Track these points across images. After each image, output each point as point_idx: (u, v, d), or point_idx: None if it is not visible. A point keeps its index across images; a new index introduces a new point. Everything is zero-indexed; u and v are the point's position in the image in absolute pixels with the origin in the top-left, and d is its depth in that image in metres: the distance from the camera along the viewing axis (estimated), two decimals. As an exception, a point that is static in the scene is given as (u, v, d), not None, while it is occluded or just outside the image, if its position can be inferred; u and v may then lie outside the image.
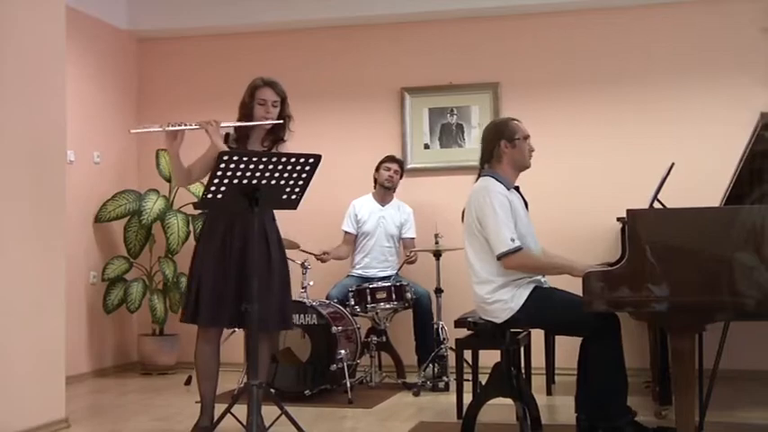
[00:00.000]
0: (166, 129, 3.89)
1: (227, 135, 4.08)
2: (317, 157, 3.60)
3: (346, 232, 6.09)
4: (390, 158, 6.06)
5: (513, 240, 3.81)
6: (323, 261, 5.85)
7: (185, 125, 3.91)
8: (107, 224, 6.39)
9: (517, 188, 4.08)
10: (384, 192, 6.07)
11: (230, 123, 4.04)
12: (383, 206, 6.08)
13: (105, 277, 6.24)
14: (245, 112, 4.07)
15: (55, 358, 4.17)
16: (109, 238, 6.47)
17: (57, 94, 4.19)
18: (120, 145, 6.62)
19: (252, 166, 3.49)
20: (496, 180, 3.98)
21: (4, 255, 3.80)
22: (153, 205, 6.28)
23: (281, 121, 4.07)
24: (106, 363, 6.40)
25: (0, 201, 3.78)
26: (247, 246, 3.81)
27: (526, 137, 4.07)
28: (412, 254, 5.93)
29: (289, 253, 5.60)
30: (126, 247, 6.36)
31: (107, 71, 6.59)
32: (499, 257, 3.83)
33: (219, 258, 3.93)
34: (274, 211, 4.13)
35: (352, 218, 6.08)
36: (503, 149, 4.03)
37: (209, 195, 3.51)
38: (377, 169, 6.06)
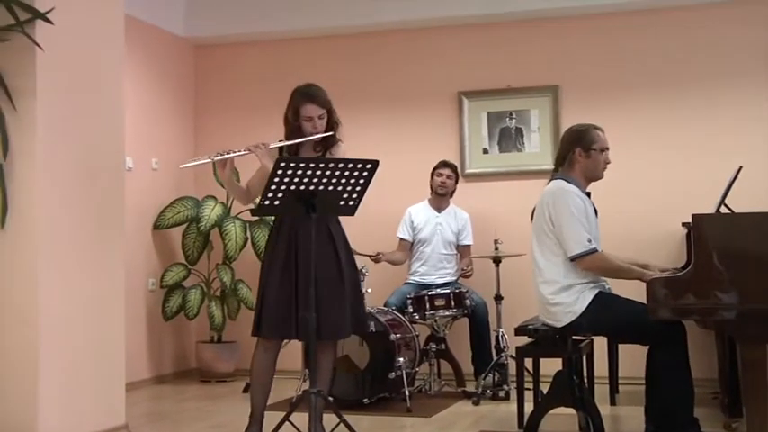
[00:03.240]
0: (215, 159, 3.90)
1: (279, 150, 4.07)
2: (375, 163, 3.60)
3: (401, 239, 6.08)
4: (443, 164, 6.04)
5: (589, 242, 3.81)
6: (376, 261, 5.85)
7: (233, 152, 3.92)
8: (165, 231, 6.48)
9: (588, 194, 4.07)
10: (439, 198, 6.05)
11: (278, 143, 4.03)
12: (439, 213, 6.05)
13: (164, 284, 6.33)
14: (292, 128, 4.04)
15: (115, 364, 4.23)
16: (167, 245, 6.56)
17: (115, 102, 4.26)
18: (179, 151, 6.70)
19: (309, 173, 3.51)
20: (570, 183, 3.98)
21: (64, 263, 3.88)
22: (211, 212, 6.35)
23: (331, 133, 4.05)
24: (165, 369, 6.49)
25: (60, 209, 3.85)
26: (314, 253, 3.82)
27: (603, 149, 4.07)
28: (469, 268, 5.90)
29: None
30: (184, 254, 6.44)
31: (164, 78, 6.68)
32: (573, 258, 3.83)
33: (285, 266, 3.92)
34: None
35: (408, 225, 6.07)
36: (576, 157, 4.04)
37: (266, 202, 3.54)
38: (431, 175, 6.05)
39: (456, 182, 6.05)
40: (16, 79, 3.65)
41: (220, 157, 3.90)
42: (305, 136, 4.00)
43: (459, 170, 6.13)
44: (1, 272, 3.70)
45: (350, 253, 4.07)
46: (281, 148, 4.04)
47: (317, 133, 4.01)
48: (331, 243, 3.96)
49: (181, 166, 4.12)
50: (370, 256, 5.78)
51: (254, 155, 3.94)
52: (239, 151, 3.92)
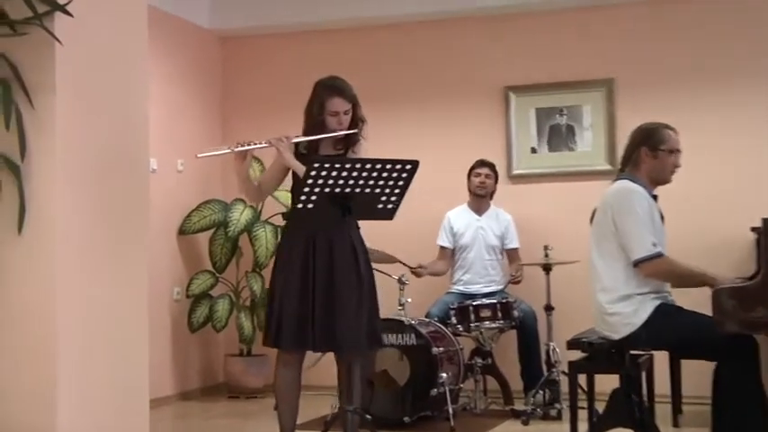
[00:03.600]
0: (235, 150, 3.99)
1: (296, 145, 4.13)
2: (415, 164, 3.59)
3: (442, 247, 6.08)
4: (480, 162, 6.03)
5: (654, 245, 3.78)
6: (418, 275, 5.84)
7: (254, 144, 4.00)
8: (191, 236, 6.52)
9: (655, 197, 4.04)
10: (479, 200, 6.03)
11: (301, 138, 4.09)
12: (480, 216, 6.05)
13: (190, 293, 6.36)
14: (314, 122, 4.09)
15: (138, 380, 4.24)
16: (193, 252, 6.60)
17: (139, 99, 4.27)
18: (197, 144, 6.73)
19: (344, 174, 3.51)
20: (636, 183, 3.96)
21: (84, 271, 3.89)
22: (240, 216, 6.37)
23: (356, 131, 4.11)
24: (191, 385, 6.51)
25: (80, 213, 3.87)
26: (333, 259, 3.91)
27: (673, 150, 4.06)
28: (518, 272, 5.87)
29: (384, 267, 5.65)
30: (211, 261, 6.47)
31: (190, 73, 6.72)
32: (637, 263, 3.80)
33: (303, 274, 3.96)
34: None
35: (448, 231, 6.06)
36: (643, 156, 4.03)
37: (300, 206, 3.54)
38: (468, 176, 6.04)
39: (496, 181, 6.03)
40: (34, 75, 3.68)
41: (240, 148, 3.99)
42: (328, 131, 4.06)
43: (503, 170, 6.15)
44: (17, 280, 3.73)
45: (368, 261, 4.12)
46: (296, 144, 4.10)
47: (341, 129, 4.07)
48: (351, 250, 4.02)
49: (198, 155, 4.17)
50: (410, 268, 5.77)
51: (273, 148, 4.01)
52: (260, 143, 4.00)
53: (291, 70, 6.81)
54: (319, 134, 4.06)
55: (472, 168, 6.02)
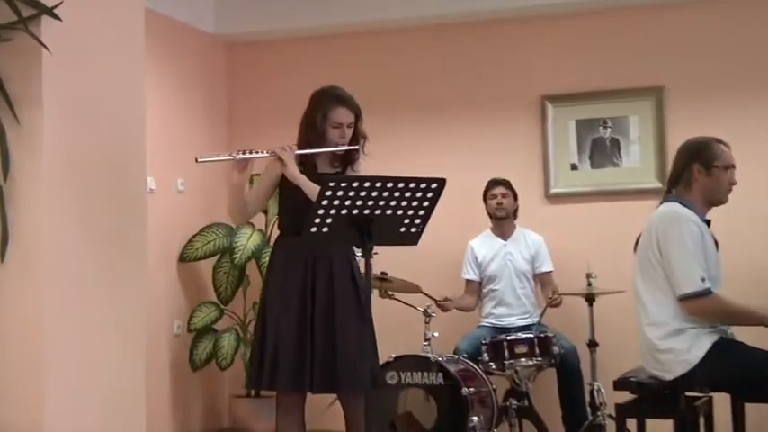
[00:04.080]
0: (237, 157, 4.08)
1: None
2: (441, 182, 3.55)
3: (468, 281, 6.10)
4: (492, 183, 6.05)
5: (703, 281, 3.75)
6: (444, 309, 5.84)
7: (256, 153, 4.10)
8: (193, 264, 6.52)
9: (708, 222, 3.99)
10: (501, 223, 6.04)
11: (306, 150, 4.18)
12: (506, 240, 6.03)
13: (191, 327, 6.35)
14: (315, 133, 4.18)
15: (134, 424, 4.22)
16: (195, 281, 6.59)
17: (135, 112, 4.27)
18: (208, 170, 6.73)
19: (363, 194, 3.47)
20: (686, 207, 3.91)
21: (74, 303, 3.88)
22: (247, 241, 6.37)
23: (357, 148, 4.22)
24: (193, 428, 6.50)
25: (69, 239, 3.85)
26: (334, 287, 4.02)
27: (728, 166, 4.04)
28: (555, 295, 5.82)
29: (407, 297, 5.62)
30: (216, 292, 6.46)
31: (192, 83, 6.74)
32: (681, 299, 3.76)
33: (301, 305, 4.03)
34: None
35: (472, 262, 6.07)
36: (695, 175, 4.00)
37: (314, 229, 3.50)
38: (483, 200, 6.04)
39: (515, 198, 6.02)
40: (19, 86, 3.67)
41: (242, 156, 4.09)
42: (329, 144, 4.16)
43: (540, 189, 6.15)
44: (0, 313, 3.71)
45: (367, 289, 4.11)
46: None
47: (343, 143, 4.17)
48: (351, 277, 4.12)
49: (199, 160, 4.25)
50: (435, 300, 5.75)
51: (268, 161, 4.14)
52: (262, 152, 4.11)
53: (305, 78, 6.70)
54: (319, 147, 4.17)
55: (486, 190, 6.05)
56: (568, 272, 5.97)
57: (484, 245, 6.08)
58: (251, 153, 4.08)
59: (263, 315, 4.16)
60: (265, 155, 4.12)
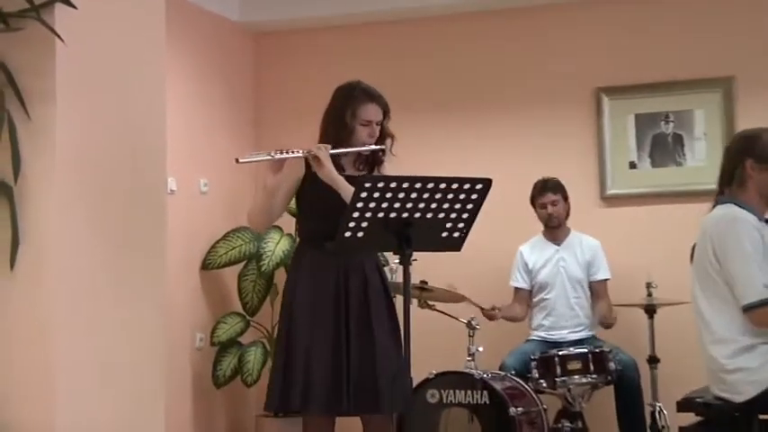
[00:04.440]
0: (276, 157, 4.15)
1: (305, 159, 4.23)
2: (487, 183, 3.56)
3: (517, 288, 6.10)
4: (540, 188, 6.03)
5: (767, 287, 3.72)
6: (491, 318, 5.83)
7: (291, 152, 4.15)
8: (217, 272, 6.55)
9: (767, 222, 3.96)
10: (553, 230, 6.06)
11: (340, 150, 4.22)
12: (559, 245, 6.03)
13: (215, 340, 6.38)
14: (345, 131, 4.23)
15: (152, 444, 4.25)
16: (220, 290, 6.62)
17: (155, 107, 4.29)
18: (234, 170, 6.74)
19: (401, 195, 3.47)
20: (742, 208, 3.87)
21: (87, 314, 3.90)
22: (276, 247, 6.39)
23: (384, 147, 4.27)
24: (216, 450, 6.53)
25: (83, 244, 3.87)
26: (368, 299, 4.08)
27: None
28: (608, 313, 5.80)
29: (450, 308, 5.61)
30: (241, 302, 6.49)
31: (216, 75, 6.78)
32: (746, 309, 3.74)
33: (336, 319, 4.05)
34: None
35: (522, 269, 6.07)
36: (748, 171, 3.96)
37: (348, 234, 3.51)
38: (532, 206, 6.02)
39: (566, 200, 6.01)
40: (30, 79, 3.69)
41: (281, 156, 4.15)
42: (356, 144, 4.22)
43: (595, 190, 6.14)
44: (7, 325, 3.73)
45: (407, 301, 4.15)
46: (305, 159, 4.23)
47: (371, 143, 4.24)
48: (383, 289, 4.13)
49: (240, 160, 4.34)
50: (482, 309, 5.75)
51: (310, 157, 4.15)
52: (298, 152, 4.16)
53: (335, 69, 6.75)
54: (347, 146, 4.21)
55: (534, 196, 6.03)
56: (626, 281, 5.94)
57: (535, 250, 6.08)
58: (288, 153, 4.13)
59: (288, 330, 4.15)
60: (301, 154, 4.16)
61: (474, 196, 3.56)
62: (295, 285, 4.24)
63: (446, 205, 3.55)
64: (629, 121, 6.35)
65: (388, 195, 3.46)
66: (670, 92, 6.27)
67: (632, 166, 6.34)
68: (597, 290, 6.00)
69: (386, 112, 4.26)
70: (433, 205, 3.53)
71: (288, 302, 4.25)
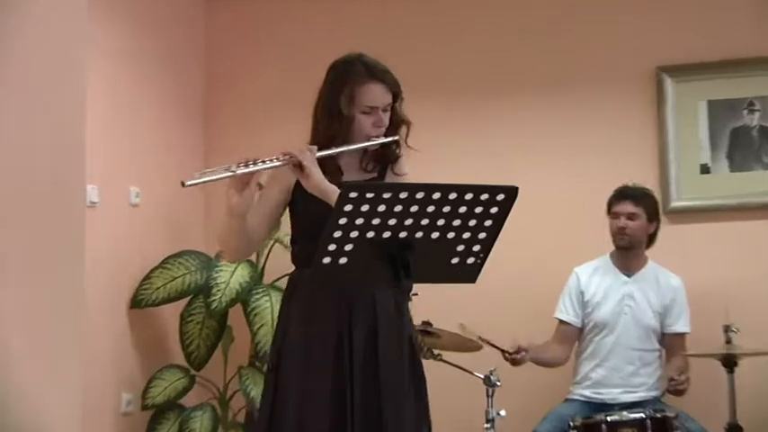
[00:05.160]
0: (238, 172, 3.93)
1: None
2: (511, 192, 3.55)
3: (562, 322, 6.07)
4: (621, 193, 6.02)
5: None
6: (515, 363, 5.81)
7: (263, 163, 3.98)
8: (152, 310, 6.55)
9: None
10: (626, 253, 6.02)
11: (330, 150, 4.09)
12: (629, 276, 6.02)
13: (148, 402, 6.36)
14: (341, 124, 4.13)
15: None
16: (155, 335, 6.64)
17: (70, 96, 4.30)
18: (175, 177, 6.76)
19: (398, 209, 3.46)
20: None
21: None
22: (230, 277, 6.38)
23: (397, 138, 4.18)
24: None
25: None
26: (379, 342, 4.00)
27: None
28: (682, 376, 5.78)
29: (462, 358, 5.61)
30: (184, 351, 6.49)
31: (155, 50, 6.80)
32: None
33: (336, 367, 4.01)
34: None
35: (575, 298, 6.05)
36: None
37: (326, 259, 3.51)
38: (608, 214, 5.99)
39: (651, 220, 5.97)
40: None
41: (246, 170, 3.94)
42: (358, 138, 4.12)
43: (656, 201, 6.06)
44: None
45: (419, 348, 4.13)
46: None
47: (378, 135, 4.13)
48: (399, 328, 3.98)
49: (187, 183, 4.03)
50: (504, 352, 5.73)
51: (289, 165, 4.01)
52: (273, 160, 3.99)
53: (311, 43, 6.86)
54: (350, 144, 4.10)
55: (610, 203, 6.00)
56: (698, 323, 5.96)
57: (596, 277, 6.06)
58: (257, 163, 3.96)
59: (276, 376, 4.11)
60: (277, 162, 4.00)
61: (494, 210, 3.55)
62: (285, 326, 4.21)
63: (457, 222, 3.54)
64: (701, 109, 6.40)
65: (381, 209, 3.45)
66: (754, 71, 6.31)
67: (704, 169, 6.38)
68: (671, 345, 5.98)
69: (396, 94, 4.17)
70: (441, 222, 3.52)
71: (276, 348, 4.21)
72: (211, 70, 7.14)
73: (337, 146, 4.09)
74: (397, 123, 4.17)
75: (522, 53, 6.63)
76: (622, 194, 5.98)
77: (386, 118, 4.13)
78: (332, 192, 3.82)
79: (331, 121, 4.12)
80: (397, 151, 4.21)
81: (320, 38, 6.82)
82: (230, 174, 3.95)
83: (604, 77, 6.54)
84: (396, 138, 4.16)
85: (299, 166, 3.97)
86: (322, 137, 4.13)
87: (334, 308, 4.04)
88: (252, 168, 3.95)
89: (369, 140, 4.11)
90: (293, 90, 6.93)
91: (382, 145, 4.15)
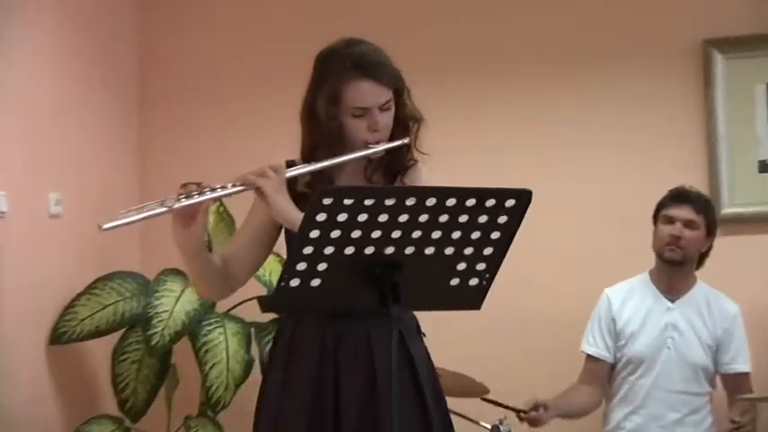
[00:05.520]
0: (175, 206, 3.89)
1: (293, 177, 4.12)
2: (523, 197, 3.57)
3: (591, 357, 6.08)
4: (679, 195, 6.00)
5: None
6: (535, 423, 5.85)
7: (214, 191, 3.94)
8: (77, 347, 6.56)
9: None
10: (672, 270, 6.02)
11: (303, 168, 4.09)
12: (673, 300, 6.04)
13: (72, 462, 6.37)
14: (325, 131, 4.11)
15: None
16: (81, 377, 6.65)
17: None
18: (105, 179, 6.79)
19: (384, 219, 3.47)
20: None
21: None
22: (175, 305, 6.37)
23: (404, 141, 4.16)
24: None
25: None
26: (376, 387, 3.96)
27: None
28: (744, 418, 5.79)
29: (464, 405, 5.64)
30: (117, 397, 6.50)
31: (79, 31, 6.83)
32: None
33: (318, 418, 4.00)
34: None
35: (605, 326, 6.06)
36: None
37: (295, 282, 3.52)
38: (654, 220, 5.99)
39: (709, 234, 5.98)
40: None
41: (187, 202, 3.90)
42: (352, 145, 4.10)
43: (715, 212, 6.09)
44: None
45: (439, 391, 4.18)
46: (293, 180, 4.11)
47: (378, 140, 4.11)
48: (408, 367, 4.05)
49: (104, 227, 4.01)
50: (518, 412, 5.76)
51: (251, 192, 4.00)
52: (228, 188, 3.96)
53: (260, 33, 6.95)
54: (336, 156, 4.07)
55: (660, 207, 5.98)
56: (759, 358, 6.00)
57: (632, 300, 6.07)
58: (203, 192, 3.91)
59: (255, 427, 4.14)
60: (230, 190, 3.96)
61: (502, 219, 3.56)
62: (266, 372, 4.24)
63: (457, 234, 3.54)
64: (758, 93, 6.45)
65: (362, 218, 3.44)
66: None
67: (763, 167, 6.43)
68: (732, 384, 6.00)
69: (398, 89, 4.14)
70: (436, 234, 3.53)
71: (258, 402, 4.23)
72: (147, 67, 7.23)
73: (322, 158, 4.06)
74: (405, 123, 4.17)
75: (536, 25, 6.70)
76: (682, 197, 5.94)
77: (385, 118, 4.10)
78: (295, 220, 3.74)
79: (313, 127, 4.13)
80: (409, 158, 4.20)
81: (273, 24, 6.90)
82: (164, 210, 3.90)
83: (639, 54, 6.59)
84: (403, 141, 4.13)
85: (259, 193, 3.97)
86: (310, 146, 4.14)
87: (316, 350, 4.03)
88: (195, 200, 3.91)
89: (367, 148, 4.09)
90: (239, 88, 7.05)
91: (389, 151, 4.13)
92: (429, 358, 4.14)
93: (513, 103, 6.64)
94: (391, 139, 4.11)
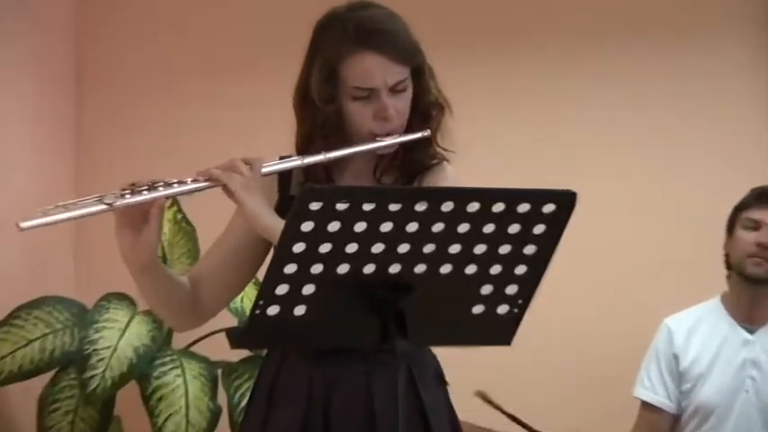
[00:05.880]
0: (117, 204, 3.86)
1: (288, 174, 4.15)
2: (565, 200, 3.54)
3: (647, 405, 6.08)
4: (758, 196, 6.02)
5: None
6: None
7: (165, 187, 3.91)
8: (-5, 394, 6.54)
9: None
10: (753, 291, 6.01)
11: (290, 162, 4.08)
12: (753, 332, 6.04)
13: None
14: (322, 113, 4.10)
15: None
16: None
17: None
18: (41, 177, 6.80)
19: (387, 228, 3.45)
20: None
21: None
22: (119, 339, 6.37)
23: (427, 133, 4.14)
24: None
25: None
26: None
27: None
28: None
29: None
30: (46, 457, 6.48)
31: (15, 38, 6.94)
32: None
33: None
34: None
35: (665, 366, 6.07)
36: None
37: (273, 311, 3.49)
38: (728, 228, 5.98)
39: None
40: None
41: (134, 199, 3.88)
42: (357, 134, 4.10)
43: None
44: None
45: None
46: (284, 176, 4.15)
47: (388, 131, 4.09)
48: (419, 417, 4.05)
49: (22, 226, 3.98)
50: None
51: (220, 190, 3.96)
52: (186, 183, 3.95)
53: (192, 19, 7.05)
54: (352, 145, 4.08)
55: (739, 209, 6.00)
56: None
57: (700, 332, 6.09)
58: (156, 188, 3.88)
59: None
60: (192, 186, 3.95)
61: (539, 229, 3.55)
62: (247, 409, 4.26)
63: (481, 249, 3.53)
64: None
65: (360, 228, 3.43)
66: None
67: None
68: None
69: (418, 66, 4.11)
70: (455, 249, 3.52)
71: None
72: (82, 59, 7.36)
73: (317, 152, 4.04)
74: (426, 111, 4.13)
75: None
76: (761, 197, 5.96)
77: (399, 103, 4.07)
78: (275, 228, 3.71)
79: (306, 112, 4.12)
80: (432, 155, 4.16)
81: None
82: (103, 208, 3.87)
83: (697, 22, 6.72)
84: (423, 134, 4.10)
85: (227, 191, 3.94)
86: (300, 138, 4.14)
87: (304, 395, 4.04)
88: (144, 197, 3.88)
89: (375, 141, 4.06)
90: (187, 78, 7.12)
91: (404, 147, 4.11)
92: (450, 409, 4.14)
93: (549, 82, 6.70)
94: (407, 130, 4.06)
